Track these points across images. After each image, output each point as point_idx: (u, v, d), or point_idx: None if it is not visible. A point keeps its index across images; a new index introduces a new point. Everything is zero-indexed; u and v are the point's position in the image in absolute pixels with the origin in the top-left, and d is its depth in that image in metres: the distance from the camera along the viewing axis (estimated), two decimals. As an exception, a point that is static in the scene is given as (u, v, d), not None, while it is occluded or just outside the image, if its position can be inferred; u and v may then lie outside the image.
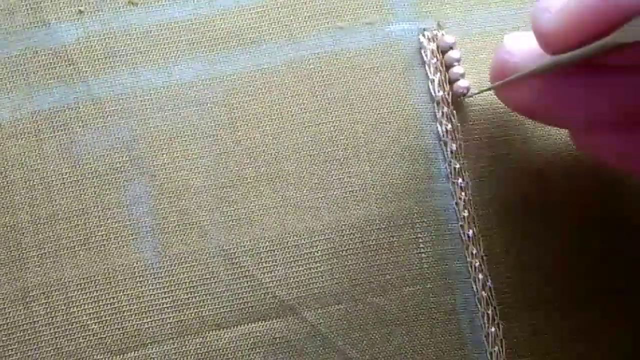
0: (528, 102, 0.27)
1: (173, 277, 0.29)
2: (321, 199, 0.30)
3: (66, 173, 0.29)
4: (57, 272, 0.29)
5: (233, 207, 0.29)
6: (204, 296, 0.29)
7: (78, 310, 0.29)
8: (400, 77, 0.30)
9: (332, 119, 0.30)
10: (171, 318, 0.29)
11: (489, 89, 0.29)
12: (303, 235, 0.29)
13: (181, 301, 0.29)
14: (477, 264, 0.30)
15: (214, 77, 0.30)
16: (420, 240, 0.30)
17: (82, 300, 0.29)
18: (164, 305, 0.29)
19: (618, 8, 0.23)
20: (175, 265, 0.29)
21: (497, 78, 0.28)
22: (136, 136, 0.29)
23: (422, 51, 0.31)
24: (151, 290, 0.29)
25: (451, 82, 0.30)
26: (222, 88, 0.30)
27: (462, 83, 0.30)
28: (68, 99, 0.29)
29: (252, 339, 0.29)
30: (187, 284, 0.29)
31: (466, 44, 0.31)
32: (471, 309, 0.29)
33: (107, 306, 0.29)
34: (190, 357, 0.28)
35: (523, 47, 0.27)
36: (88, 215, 0.29)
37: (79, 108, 0.29)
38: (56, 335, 0.28)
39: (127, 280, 0.29)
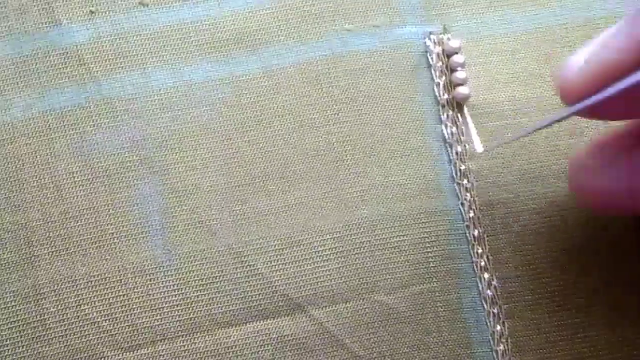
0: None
1: (183, 275, 0.29)
2: (329, 198, 0.30)
3: (77, 172, 0.29)
4: (68, 270, 0.29)
5: (243, 206, 0.30)
6: (214, 294, 0.29)
7: (89, 308, 0.29)
8: (406, 80, 0.31)
9: (340, 119, 0.30)
10: (181, 315, 0.29)
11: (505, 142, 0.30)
12: (312, 234, 0.30)
13: (191, 299, 0.29)
14: (483, 263, 0.30)
15: (223, 77, 0.30)
16: (427, 240, 0.30)
17: (92, 298, 0.29)
18: (174, 303, 0.29)
19: None
20: (185, 264, 0.29)
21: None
22: (146, 135, 0.30)
23: (428, 54, 0.31)
24: (161, 288, 0.29)
25: (454, 86, 0.31)
26: (231, 89, 0.30)
27: (462, 90, 0.31)
28: (79, 98, 0.30)
29: (261, 336, 0.29)
30: (197, 282, 0.29)
31: (474, 48, 0.31)
32: (477, 308, 0.30)
33: (117, 303, 0.29)
34: (200, 355, 0.29)
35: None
36: (99, 213, 0.29)
37: (90, 107, 0.30)
38: (67, 332, 0.28)
39: (137, 277, 0.29)
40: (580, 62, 0.26)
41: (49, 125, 0.29)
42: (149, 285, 0.29)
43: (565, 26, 0.32)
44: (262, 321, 0.29)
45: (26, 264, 0.29)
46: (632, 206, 0.26)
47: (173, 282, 0.29)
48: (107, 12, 0.30)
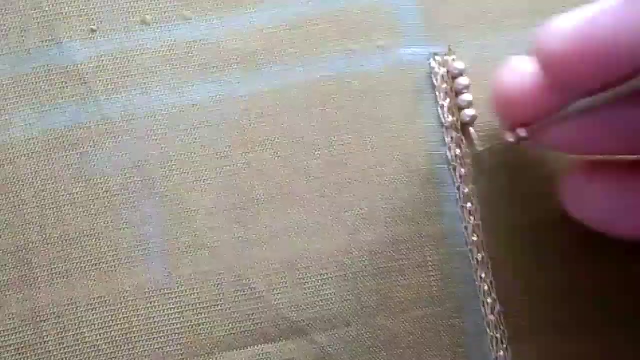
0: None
1: (183, 298, 0.29)
2: (331, 221, 0.30)
3: (77, 192, 0.29)
4: (68, 292, 0.29)
5: (244, 228, 0.29)
6: (215, 317, 0.29)
7: (88, 331, 0.29)
8: (410, 101, 0.31)
9: (342, 141, 0.30)
10: (182, 339, 0.29)
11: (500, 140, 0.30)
12: (313, 257, 0.30)
13: (192, 322, 0.29)
14: (486, 287, 0.30)
15: (225, 97, 0.30)
16: (430, 264, 0.30)
17: (92, 321, 0.29)
18: (175, 326, 0.29)
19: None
20: (185, 286, 0.29)
21: (501, 105, 0.28)
22: (147, 156, 0.29)
23: (432, 76, 0.31)
24: (161, 311, 0.29)
25: (459, 109, 0.30)
26: (233, 109, 0.30)
27: (468, 112, 0.30)
28: (79, 118, 0.29)
29: (262, 360, 0.29)
30: (198, 305, 0.29)
31: (478, 68, 0.31)
32: (480, 333, 0.30)
33: (117, 327, 0.29)
34: (201, 378, 0.29)
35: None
36: (99, 235, 0.29)
37: (90, 127, 0.29)
38: (67, 356, 0.28)
39: (137, 300, 0.29)
40: (567, 30, 0.24)
41: (49, 145, 0.29)
42: (150, 308, 0.29)
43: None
44: (263, 344, 0.29)
45: (25, 286, 0.28)
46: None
47: (174, 305, 0.29)
48: (108, 31, 0.30)
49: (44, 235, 0.29)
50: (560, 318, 0.30)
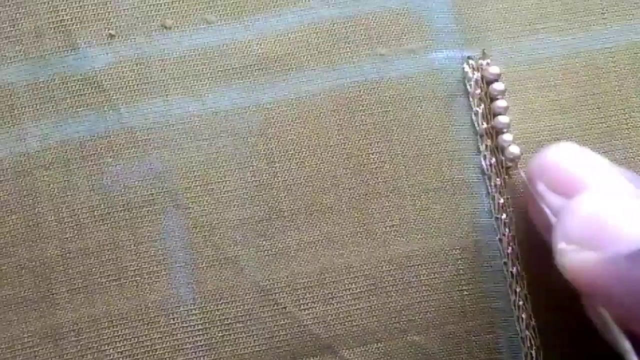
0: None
1: (207, 313, 0.28)
2: (360, 233, 0.29)
3: (97, 205, 0.28)
4: (88, 309, 0.28)
5: (270, 241, 0.28)
6: (240, 334, 0.28)
7: (110, 348, 0.28)
8: (442, 108, 0.29)
9: (372, 150, 0.29)
10: (206, 356, 0.28)
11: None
12: (342, 271, 0.28)
13: (216, 339, 0.28)
14: (521, 302, 0.29)
15: (250, 105, 0.29)
16: (462, 277, 0.29)
17: (113, 338, 0.28)
18: (199, 343, 0.28)
19: None
20: (209, 302, 0.28)
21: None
22: (169, 167, 0.28)
23: (466, 81, 0.29)
24: (185, 328, 0.28)
25: (494, 115, 0.29)
26: (258, 117, 0.29)
27: (502, 119, 0.29)
28: (98, 127, 0.28)
29: (289, 378, 0.28)
30: (222, 321, 0.28)
31: (512, 73, 0.30)
32: (514, 349, 0.29)
33: (139, 344, 0.28)
34: (226, 397, 0.28)
35: (559, 175, 0.26)
36: (120, 249, 0.28)
37: (110, 137, 0.28)
38: (88, 375, 0.27)
39: (159, 317, 0.28)
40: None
41: (67, 156, 0.28)
42: (173, 325, 0.28)
43: (608, 51, 0.30)
44: (290, 362, 0.28)
45: (44, 303, 0.28)
46: None
47: (197, 321, 0.28)
48: (128, 36, 0.29)
49: (62, 250, 0.28)
50: (595, 333, 0.29)
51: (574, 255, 0.24)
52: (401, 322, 0.28)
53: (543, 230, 0.27)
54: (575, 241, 0.24)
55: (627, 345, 0.23)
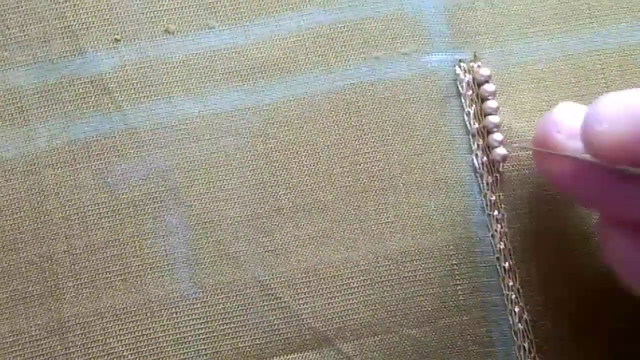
0: (568, 180, 0.26)
1: (209, 307, 0.29)
2: (357, 230, 0.30)
3: (102, 203, 0.29)
4: (93, 303, 0.29)
5: (269, 237, 0.29)
6: (240, 327, 0.29)
7: (114, 341, 0.28)
8: (435, 108, 0.30)
9: (368, 149, 0.30)
10: (207, 349, 0.29)
11: (528, 149, 0.29)
12: (339, 266, 0.29)
13: (217, 332, 0.29)
14: (514, 296, 0.30)
15: (250, 107, 0.30)
16: (456, 272, 0.30)
17: (118, 331, 0.28)
18: (200, 336, 0.29)
19: None
20: (211, 296, 0.29)
21: (537, 144, 0.28)
22: (172, 166, 0.29)
23: (458, 83, 0.30)
24: (187, 321, 0.29)
25: (485, 115, 0.30)
26: (258, 118, 0.30)
27: (493, 119, 0.30)
28: (104, 128, 0.29)
29: (288, 370, 0.29)
30: (223, 314, 0.29)
31: (503, 75, 0.31)
32: (507, 342, 0.29)
33: (143, 337, 0.29)
34: (227, 389, 0.28)
35: (572, 124, 0.26)
36: (124, 245, 0.29)
37: (115, 137, 0.29)
38: (93, 367, 0.28)
39: (163, 310, 0.29)
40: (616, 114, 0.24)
41: (74, 156, 0.29)
42: (175, 318, 0.29)
43: (596, 53, 0.31)
44: (289, 355, 0.29)
45: (51, 297, 0.28)
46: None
47: (199, 314, 0.29)
48: (132, 40, 0.30)
49: (69, 246, 0.29)
50: (589, 327, 0.30)
51: (607, 130, 0.24)
52: (397, 316, 0.29)
53: (562, 178, 0.27)
54: (608, 120, 0.24)
55: None
